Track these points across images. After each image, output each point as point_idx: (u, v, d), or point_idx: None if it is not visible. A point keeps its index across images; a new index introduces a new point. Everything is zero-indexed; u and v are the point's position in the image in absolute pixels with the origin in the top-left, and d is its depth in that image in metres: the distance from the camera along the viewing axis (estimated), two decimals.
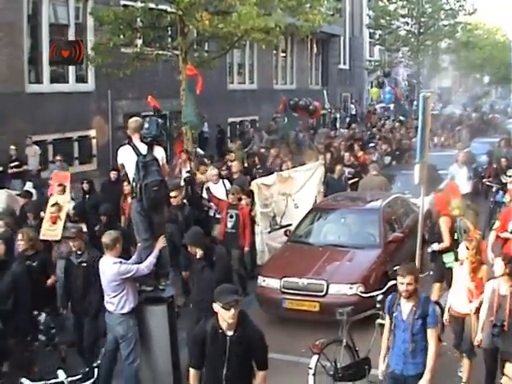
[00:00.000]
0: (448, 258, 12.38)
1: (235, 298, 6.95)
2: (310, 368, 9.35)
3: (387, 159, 25.36)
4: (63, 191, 14.98)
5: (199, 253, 9.87)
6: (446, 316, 10.45)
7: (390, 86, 44.52)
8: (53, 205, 13.71)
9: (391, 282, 11.21)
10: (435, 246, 12.82)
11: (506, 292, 9.04)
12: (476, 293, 9.90)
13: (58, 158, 21.02)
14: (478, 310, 9.63)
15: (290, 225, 16.02)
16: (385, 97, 44.48)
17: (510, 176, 16.43)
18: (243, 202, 15.28)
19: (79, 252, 10.86)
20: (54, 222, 13.35)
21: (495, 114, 49.84)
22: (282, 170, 18.92)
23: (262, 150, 25.62)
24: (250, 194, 15.83)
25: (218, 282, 8.52)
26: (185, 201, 15.30)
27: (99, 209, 14.64)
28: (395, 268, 11.75)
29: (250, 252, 15.36)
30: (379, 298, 10.51)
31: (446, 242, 12.55)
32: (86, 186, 17.22)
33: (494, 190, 19.41)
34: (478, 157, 24.20)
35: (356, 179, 20.29)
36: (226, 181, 16.98)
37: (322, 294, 12.51)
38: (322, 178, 17.95)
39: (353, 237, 14.35)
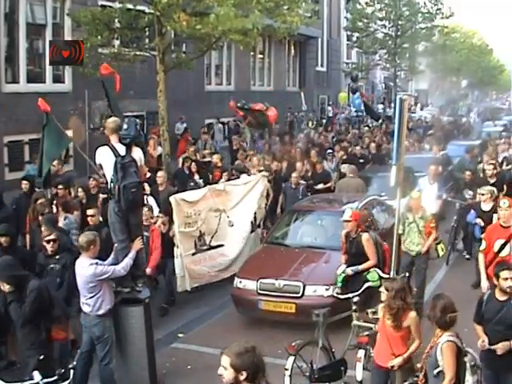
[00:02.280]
0: (373, 277, 11.77)
1: None
2: (287, 369, 9.38)
3: (344, 167, 22.01)
4: None
5: (6, 287, 9.01)
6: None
7: (358, 92, 44.18)
8: None
9: (367, 284, 11.31)
10: (354, 269, 12.07)
11: None
12: (400, 346, 8.57)
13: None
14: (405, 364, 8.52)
15: (221, 245, 14.67)
16: (354, 102, 43.98)
17: (482, 194, 14.80)
18: (159, 221, 14.07)
19: None
20: None
21: (470, 120, 49.99)
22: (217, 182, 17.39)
23: (206, 158, 22.73)
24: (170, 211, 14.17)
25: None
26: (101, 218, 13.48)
27: None
28: (371, 270, 11.94)
29: (168, 278, 14.37)
30: (355, 299, 10.56)
31: (372, 261, 12.08)
32: None
33: (456, 206, 17.68)
34: (454, 159, 24.14)
35: (327, 185, 20.14)
36: (149, 197, 14.95)
37: (299, 295, 12.55)
38: (263, 191, 16.26)
39: (329, 238, 14.36)
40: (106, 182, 9.84)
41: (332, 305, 11.52)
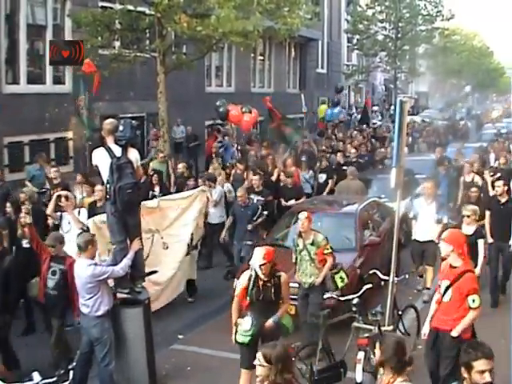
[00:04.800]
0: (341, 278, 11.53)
1: None
2: None
3: (322, 177, 20.82)
4: None
5: None
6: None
7: (341, 107, 43.18)
8: None
9: (367, 286, 11.29)
10: (275, 319, 9.66)
11: None
12: None
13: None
14: None
15: (154, 272, 11.59)
16: (332, 112, 42.30)
17: (467, 216, 13.31)
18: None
19: None
20: None
21: (468, 122, 49.82)
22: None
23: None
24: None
25: None
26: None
27: None
28: (371, 271, 11.93)
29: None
30: (355, 301, 10.55)
31: (287, 303, 10.08)
32: None
33: None
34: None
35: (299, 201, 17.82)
36: (82, 210, 13.72)
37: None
38: (202, 208, 14.27)
39: (329, 240, 14.35)
40: (103, 183, 9.84)
41: (332, 306, 11.50)
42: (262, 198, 16.69)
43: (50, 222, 13.60)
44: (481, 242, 13.16)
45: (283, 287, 9.69)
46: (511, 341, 9.74)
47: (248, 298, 9.56)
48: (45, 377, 8.14)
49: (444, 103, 76.14)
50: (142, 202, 11.97)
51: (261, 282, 9.56)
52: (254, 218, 15.58)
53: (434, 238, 13.71)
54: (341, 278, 11.70)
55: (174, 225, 13.36)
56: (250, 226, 15.38)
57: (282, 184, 19.07)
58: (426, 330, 9.61)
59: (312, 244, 11.74)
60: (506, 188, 14.61)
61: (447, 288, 9.19)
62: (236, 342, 9.54)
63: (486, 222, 14.64)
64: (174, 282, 13.43)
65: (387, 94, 65.89)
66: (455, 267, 9.22)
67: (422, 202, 15.02)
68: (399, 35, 48.12)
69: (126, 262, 9.83)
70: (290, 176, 18.94)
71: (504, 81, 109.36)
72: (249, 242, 15.07)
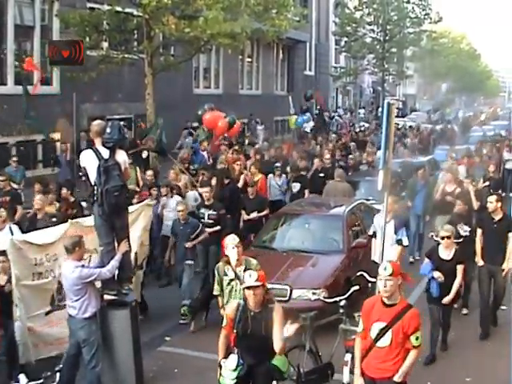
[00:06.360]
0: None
1: None
2: None
3: (295, 186, 19.20)
4: None
5: None
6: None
7: (309, 115, 42.59)
8: None
9: (354, 288, 11.29)
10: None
11: None
12: None
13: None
14: None
15: None
16: (303, 119, 41.39)
17: (447, 237, 11.63)
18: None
19: None
20: None
21: (454, 125, 49.69)
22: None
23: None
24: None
25: None
26: None
27: None
28: (358, 273, 11.95)
29: (7, 347, 10.37)
30: (342, 303, 10.55)
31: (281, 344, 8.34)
32: None
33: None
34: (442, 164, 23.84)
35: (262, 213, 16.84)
36: (14, 226, 12.39)
37: (286, 299, 12.50)
38: (147, 225, 12.88)
39: (316, 242, 14.38)
40: (91, 185, 9.81)
41: (319, 308, 11.51)
42: (214, 212, 15.00)
43: None
44: (460, 268, 11.41)
45: (276, 320, 8.03)
46: (511, 342, 9.69)
47: (235, 331, 8.25)
48: (31, 379, 8.10)
49: (431, 106, 76.27)
50: (79, 220, 11.61)
51: (250, 313, 8.15)
52: (193, 236, 13.87)
53: None
54: None
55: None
56: (188, 244, 13.73)
57: (243, 195, 17.51)
58: (357, 382, 7.98)
59: (246, 270, 9.13)
60: (499, 204, 12.62)
61: (382, 331, 7.65)
62: None
63: (477, 241, 12.72)
64: None
65: (375, 97, 66.05)
66: (390, 305, 7.68)
67: (381, 218, 12.48)
68: (387, 38, 48.26)
69: (114, 263, 9.80)
70: (251, 185, 17.25)
71: (491, 83, 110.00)
72: (189, 262, 13.72)
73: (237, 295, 9.78)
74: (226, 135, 24.84)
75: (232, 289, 10.07)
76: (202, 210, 15.06)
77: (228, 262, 10.08)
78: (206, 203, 15.22)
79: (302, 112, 41.00)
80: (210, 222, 14.65)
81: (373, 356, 7.77)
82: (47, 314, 10.68)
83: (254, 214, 16.86)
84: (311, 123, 39.38)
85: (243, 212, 17.06)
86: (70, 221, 11.37)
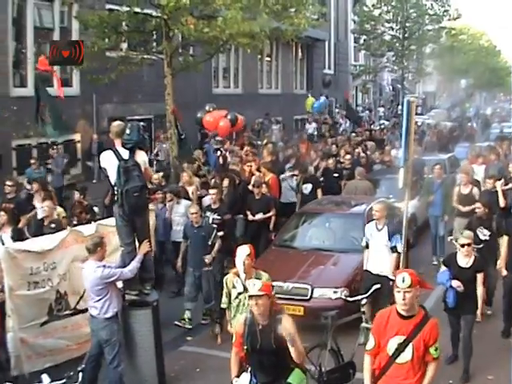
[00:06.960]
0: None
1: None
2: None
3: (307, 187, 18.34)
4: None
5: None
6: None
7: (325, 98, 42.67)
8: None
9: (375, 286, 11.27)
10: None
11: None
12: None
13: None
14: None
15: None
16: (320, 103, 41.35)
17: (467, 244, 10.74)
18: None
19: None
20: None
21: (474, 124, 49.14)
22: None
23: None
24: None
25: None
26: None
27: None
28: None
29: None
30: (363, 301, 10.54)
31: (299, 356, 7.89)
32: None
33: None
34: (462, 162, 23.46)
35: (268, 215, 16.41)
36: (4, 235, 11.82)
37: (307, 298, 12.54)
38: (152, 226, 12.29)
39: (337, 241, 14.38)
40: (112, 186, 9.85)
41: (340, 307, 11.50)
42: (219, 217, 14.67)
43: None
44: (480, 277, 10.59)
45: (288, 332, 7.44)
46: None
47: (245, 347, 7.67)
48: (54, 379, 8.13)
49: (450, 103, 75.86)
50: (75, 228, 11.61)
51: (258, 327, 7.56)
52: (210, 243, 13.19)
53: (389, 272, 11.86)
54: None
55: (114, 254, 10.99)
56: (207, 258, 13.03)
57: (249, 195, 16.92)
58: None
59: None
60: None
61: (402, 345, 7.03)
62: None
63: (503, 249, 11.99)
64: None
65: (395, 94, 65.80)
66: (408, 317, 7.06)
67: (372, 227, 12.70)
68: (406, 35, 47.96)
69: (135, 264, 9.84)
70: (256, 186, 16.69)
71: None
72: (207, 268, 13.12)
73: (244, 309, 9.18)
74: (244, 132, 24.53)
75: (240, 302, 9.47)
76: (208, 214, 14.76)
77: (237, 274, 9.45)
78: (213, 206, 15.03)
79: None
80: (214, 226, 13.89)
81: (393, 374, 7.13)
82: (43, 324, 10.59)
83: (260, 216, 16.40)
84: (314, 125, 39.25)
85: (248, 213, 16.57)
86: (69, 228, 11.58)
